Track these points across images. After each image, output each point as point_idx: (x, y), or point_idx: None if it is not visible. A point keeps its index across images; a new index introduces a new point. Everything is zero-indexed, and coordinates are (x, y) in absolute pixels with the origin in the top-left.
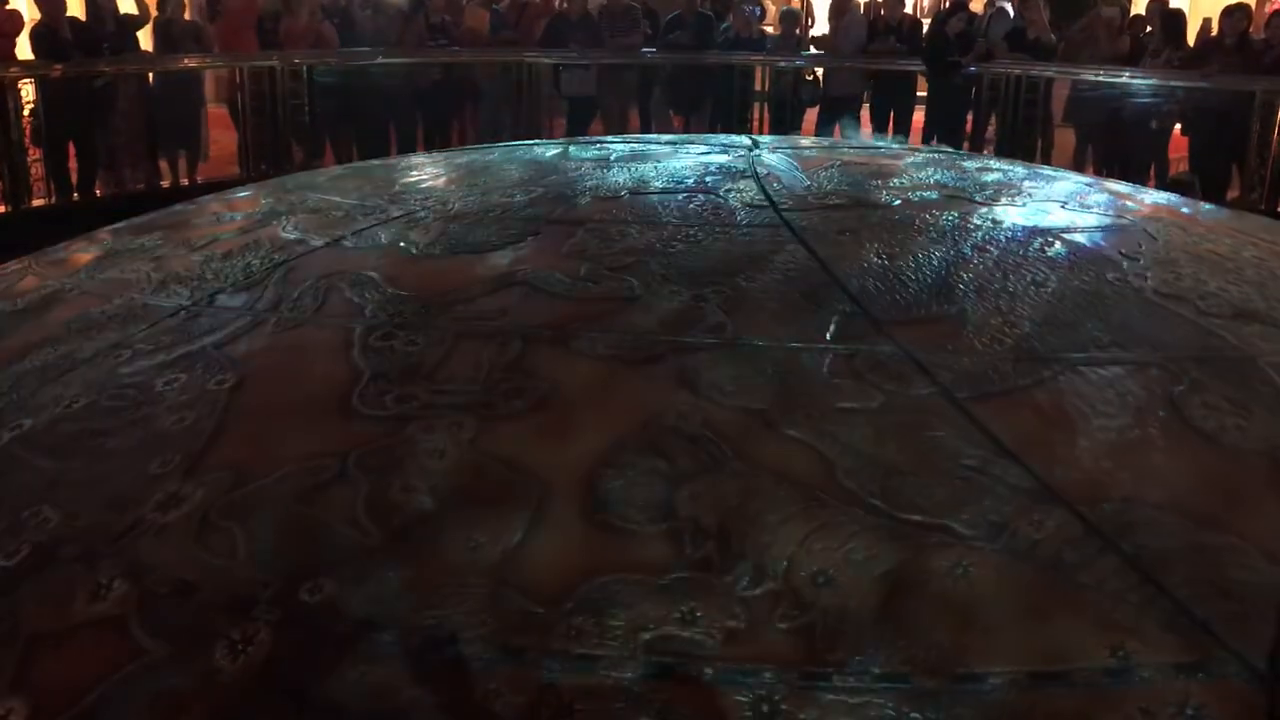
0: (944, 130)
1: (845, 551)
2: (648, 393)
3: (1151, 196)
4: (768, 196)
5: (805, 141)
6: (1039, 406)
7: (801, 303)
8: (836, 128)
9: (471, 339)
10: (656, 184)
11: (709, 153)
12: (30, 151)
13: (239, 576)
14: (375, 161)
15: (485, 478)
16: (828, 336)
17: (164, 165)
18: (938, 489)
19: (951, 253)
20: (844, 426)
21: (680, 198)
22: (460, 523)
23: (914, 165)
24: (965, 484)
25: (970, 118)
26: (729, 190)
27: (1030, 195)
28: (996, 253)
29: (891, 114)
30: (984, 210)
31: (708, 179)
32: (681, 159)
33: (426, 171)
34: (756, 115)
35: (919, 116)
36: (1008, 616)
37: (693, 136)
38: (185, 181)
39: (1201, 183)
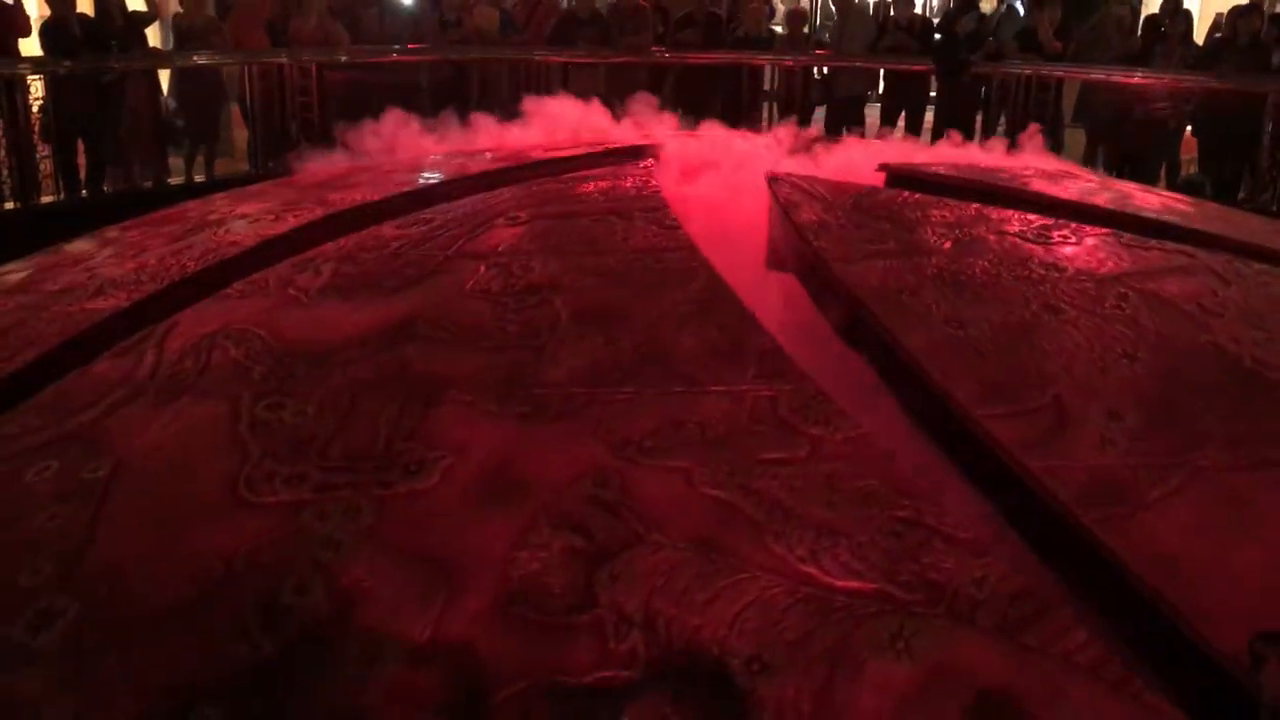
0: (954, 130)
1: (779, 630)
2: (561, 457)
3: (1193, 210)
4: (813, 249)
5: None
6: (1178, 523)
7: (719, 338)
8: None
9: (369, 401)
10: (571, 205)
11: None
12: (39, 148)
13: (118, 712)
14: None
15: (385, 572)
16: (750, 375)
17: (180, 161)
18: (872, 547)
19: (1026, 315)
20: (770, 481)
21: (586, 222)
22: (360, 628)
23: (951, 188)
24: (899, 540)
25: (980, 117)
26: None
27: (1080, 232)
28: (1072, 312)
29: (903, 113)
30: (1041, 252)
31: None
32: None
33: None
34: (766, 115)
35: (929, 116)
36: (953, 694)
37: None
38: (200, 178)
39: (1212, 184)
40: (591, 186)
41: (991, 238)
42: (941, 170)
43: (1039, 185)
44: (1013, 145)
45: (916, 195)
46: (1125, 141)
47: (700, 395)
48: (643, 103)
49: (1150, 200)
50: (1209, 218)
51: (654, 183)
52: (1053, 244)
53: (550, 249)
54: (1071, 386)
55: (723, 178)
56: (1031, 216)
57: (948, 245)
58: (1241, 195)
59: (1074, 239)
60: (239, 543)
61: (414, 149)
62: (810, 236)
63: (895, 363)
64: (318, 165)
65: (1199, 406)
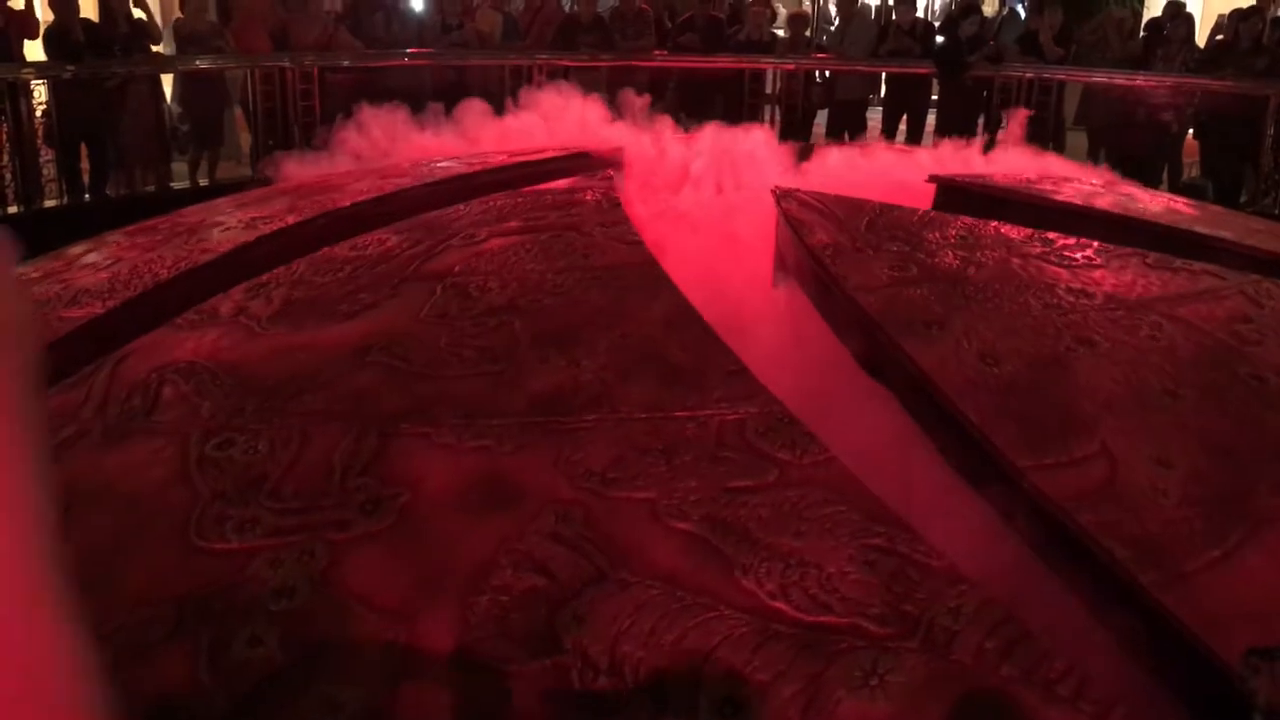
0: (956, 133)
1: (750, 670)
2: (522, 492)
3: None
4: (831, 276)
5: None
6: (1244, 583)
7: (684, 359)
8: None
9: (322, 435)
10: (529, 220)
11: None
12: (42, 152)
13: None
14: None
15: (342, 619)
16: (716, 398)
17: (185, 166)
18: (843, 579)
19: (1061, 349)
20: (738, 510)
21: (545, 238)
22: (317, 678)
23: (1003, 203)
24: (871, 569)
25: (982, 120)
26: None
27: (1105, 251)
28: (1107, 345)
29: (905, 117)
30: (1067, 276)
31: None
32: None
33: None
34: (767, 118)
35: (931, 120)
36: None
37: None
38: (204, 182)
39: (1214, 187)
40: (550, 200)
41: (1015, 261)
42: (995, 183)
43: (1093, 200)
44: (990, 146)
45: (931, 213)
46: (1127, 144)
47: (665, 421)
48: (630, 103)
49: (1199, 215)
50: (1255, 232)
51: (613, 194)
52: (1077, 266)
53: (508, 269)
54: (1117, 431)
55: (690, 185)
56: (1052, 235)
57: (971, 270)
58: (1243, 199)
59: (1099, 260)
60: (189, 590)
61: (395, 150)
62: (827, 261)
63: (928, 402)
64: (307, 169)
65: (1247, 448)
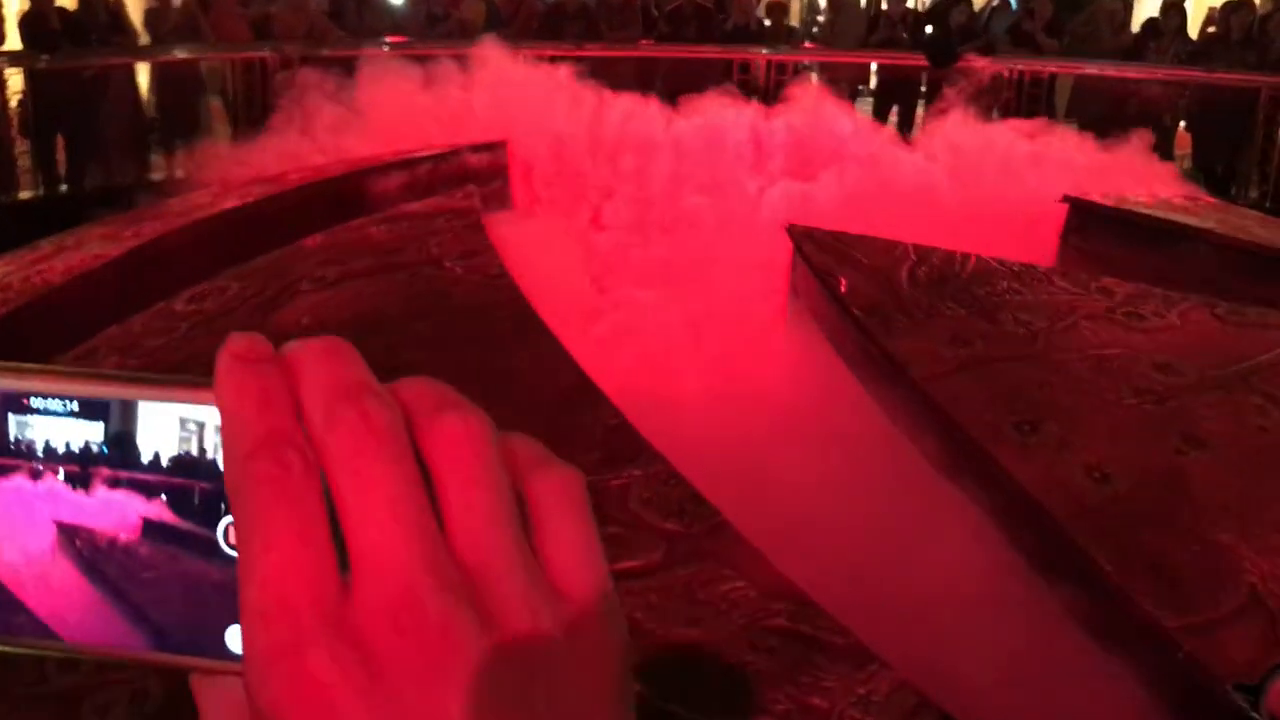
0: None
1: None
2: None
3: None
4: (886, 353)
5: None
6: None
7: (560, 416)
8: None
9: None
10: (384, 255)
11: None
12: (17, 143)
13: None
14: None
15: None
16: (596, 459)
17: (164, 157)
18: (742, 671)
19: (1170, 452)
20: (625, 598)
21: (402, 278)
22: None
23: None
24: (772, 657)
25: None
26: None
27: (1168, 301)
28: (1218, 442)
29: (895, 108)
30: (1144, 342)
31: None
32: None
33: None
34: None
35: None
36: None
37: None
38: (181, 173)
39: (1205, 178)
40: (407, 228)
41: (1084, 324)
42: (1132, 206)
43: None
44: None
45: (974, 258)
46: (1118, 136)
47: None
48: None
49: None
50: None
51: (474, 217)
52: (1148, 325)
53: (363, 317)
54: (1263, 567)
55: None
56: (1108, 283)
57: (1041, 343)
58: (1234, 190)
59: (1168, 314)
60: None
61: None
62: (879, 337)
63: (1033, 523)
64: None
65: None
